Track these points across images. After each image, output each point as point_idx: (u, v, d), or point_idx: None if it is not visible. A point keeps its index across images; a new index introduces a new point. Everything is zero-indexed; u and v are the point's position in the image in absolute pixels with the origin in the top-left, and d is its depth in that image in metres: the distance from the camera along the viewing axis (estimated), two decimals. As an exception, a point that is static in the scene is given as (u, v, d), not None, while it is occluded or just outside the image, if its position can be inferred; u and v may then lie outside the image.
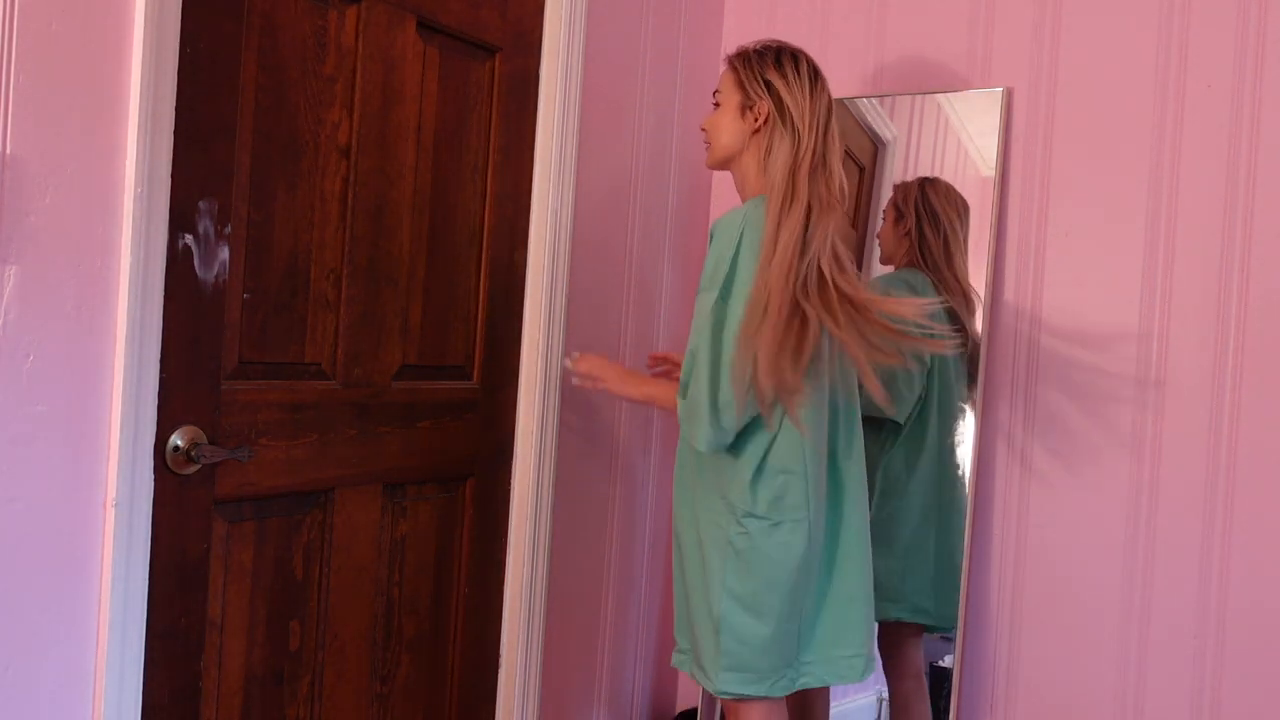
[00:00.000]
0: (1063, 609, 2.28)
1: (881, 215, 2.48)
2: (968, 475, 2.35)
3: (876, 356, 1.81)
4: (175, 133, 1.54)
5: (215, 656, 1.68)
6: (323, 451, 1.83)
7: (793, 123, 1.87)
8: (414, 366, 2.00)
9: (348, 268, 1.85)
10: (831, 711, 2.42)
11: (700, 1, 2.64)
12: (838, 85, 2.58)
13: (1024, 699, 2.32)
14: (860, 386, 1.96)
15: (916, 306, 1.84)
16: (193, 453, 1.59)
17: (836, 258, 1.84)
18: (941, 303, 2.29)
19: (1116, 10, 2.26)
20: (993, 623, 2.35)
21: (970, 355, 2.34)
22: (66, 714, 1.47)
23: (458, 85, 2.04)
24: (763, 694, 1.87)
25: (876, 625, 2.37)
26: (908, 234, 2.41)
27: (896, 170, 2.51)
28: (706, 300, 1.82)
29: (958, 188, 2.41)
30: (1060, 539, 2.29)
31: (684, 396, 1.85)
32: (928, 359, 2.30)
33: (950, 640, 2.34)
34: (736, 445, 1.85)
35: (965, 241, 2.37)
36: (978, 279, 2.37)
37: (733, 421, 1.79)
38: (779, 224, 1.80)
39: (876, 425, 2.32)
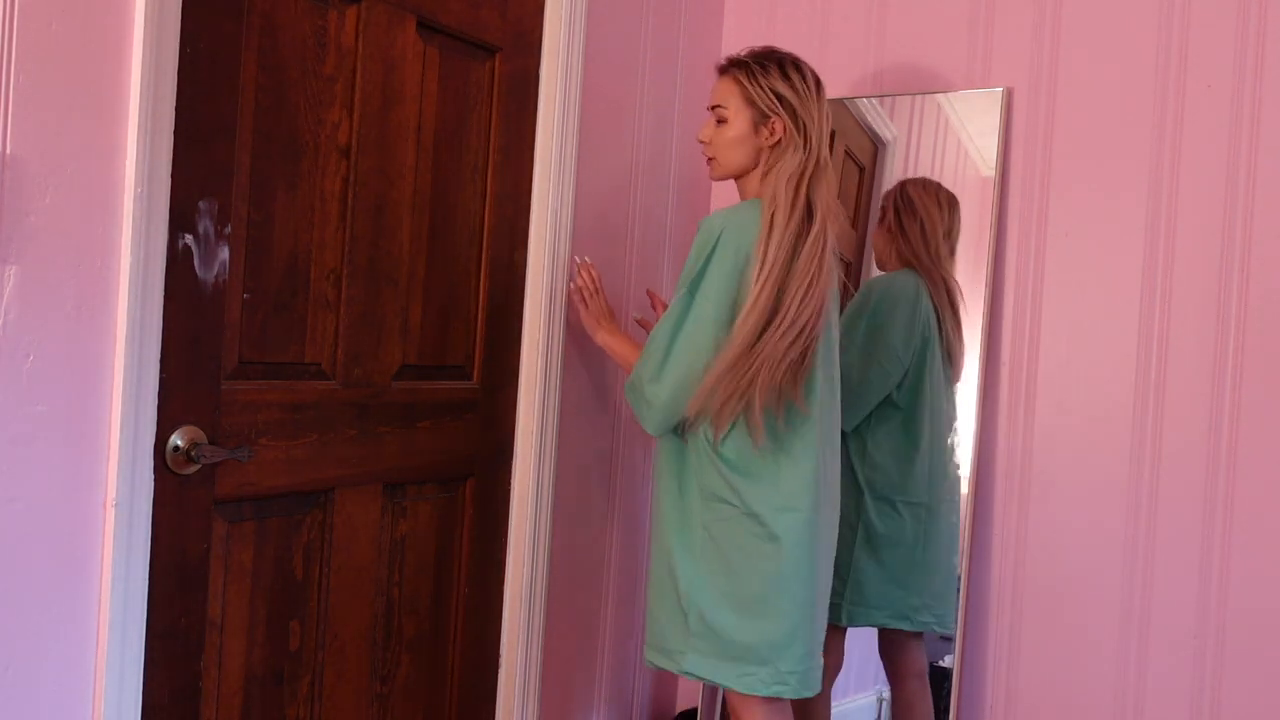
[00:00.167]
0: (1063, 609, 2.28)
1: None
2: (967, 475, 2.35)
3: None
4: (175, 133, 1.54)
5: (215, 656, 1.68)
6: (323, 451, 1.83)
7: (806, 135, 1.90)
8: (414, 366, 2.00)
9: (348, 268, 1.85)
10: (832, 712, 2.42)
11: (700, 1, 2.64)
12: (838, 85, 2.58)
13: (1024, 699, 2.32)
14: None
15: None
16: (193, 453, 1.59)
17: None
18: None
19: (1116, 10, 2.26)
20: (993, 623, 2.35)
21: (948, 352, 2.33)
22: (66, 714, 1.47)
23: (458, 85, 2.04)
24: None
25: (879, 632, 2.38)
26: (889, 230, 2.41)
27: (896, 170, 2.51)
28: (679, 293, 1.89)
29: (958, 188, 2.41)
30: (1060, 539, 2.29)
31: (632, 371, 1.95)
32: (905, 364, 2.30)
33: (950, 640, 2.34)
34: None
35: (947, 231, 2.37)
36: (977, 279, 2.37)
37: (661, 417, 1.89)
38: (786, 235, 1.83)
39: (867, 426, 2.32)
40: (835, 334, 1.99)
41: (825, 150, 1.92)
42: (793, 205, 1.85)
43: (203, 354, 1.63)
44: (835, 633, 2.33)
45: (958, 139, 2.43)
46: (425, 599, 2.05)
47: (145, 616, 1.55)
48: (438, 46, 1.99)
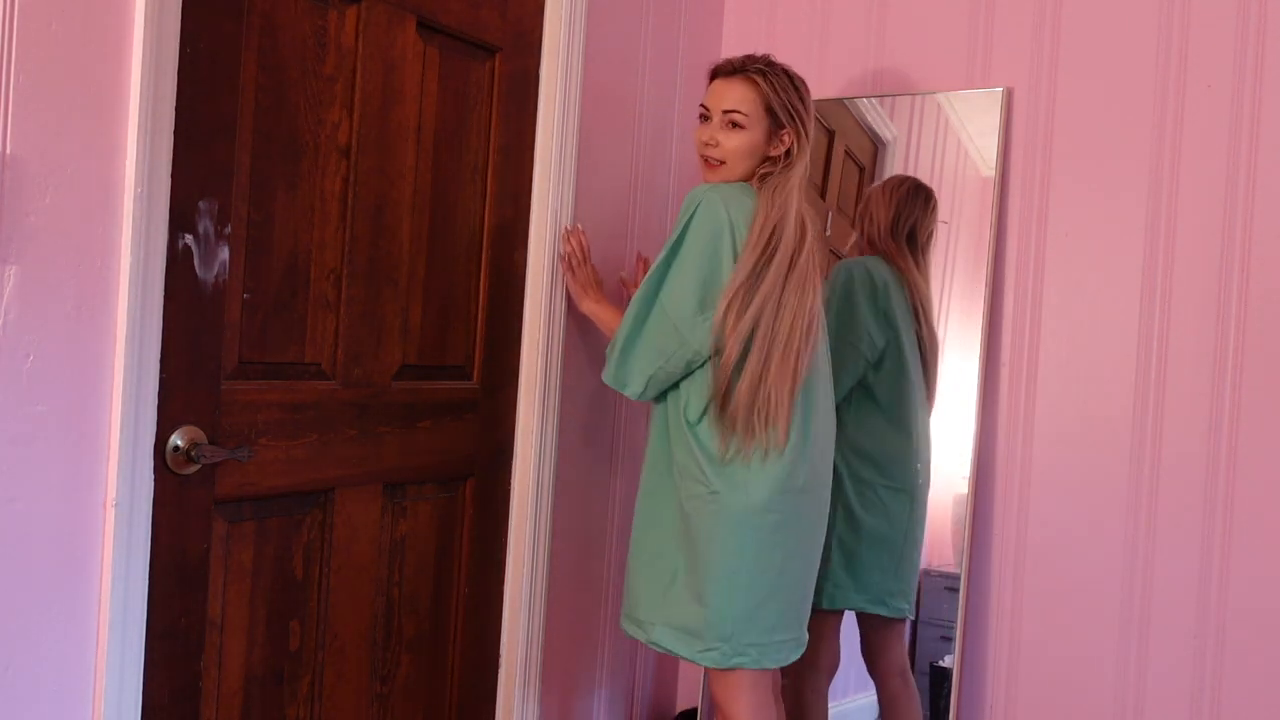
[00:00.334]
0: (1063, 609, 2.28)
1: None
2: (968, 475, 2.35)
3: None
4: (175, 133, 1.54)
5: (215, 656, 1.68)
6: (323, 451, 1.83)
7: (806, 151, 1.96)
8: (414, 366, 2.00)
9: (348, 268, 1.85)
10: (832, 712, 2.42)
11: (700, 1, 2.64)
12: (838, 85, 2.58)
13: (1024, 699, 2.32)
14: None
15: None
16: (193, 453, 1.59)
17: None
18: None
19: (1116, 10, 2.26)
20: (993, 623, 2.35)
21: (921, 342, 2.33)
22: (66, 714, 1.47)
23: (458, 85, 2.04)
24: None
25: (860, 629, 2.38)
26: (859, 224, 2.46)
27: (896, 170, 2.51)
28: (659, 262, 1.93)
29: (958, 188, 2.42)
30: (1060, 539, 2.29)
31: (613, 336, 2.00)
32: (879, 346, 2.30)
33: (950, 640, 2.34)
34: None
35: (894, 220, 2.38)
36: (977, 279, 2.37)
37: (635, 389, 1.95)
38: (788, 252, 1.90)
39: (848, 410, 2.31)
40: (825, 338, 2.03)
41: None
42: (799, 224, 1.91)
43: (203, 354, 1.63)
44: (829, 631, 2.34)
45: (958, 139, 2.43)
46: (425, 599, 2.05)
47: (145, 616, 1.55)
48: (438, 46, 1.99)
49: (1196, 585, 2.14)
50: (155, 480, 1.55)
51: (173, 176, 1.55)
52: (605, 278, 2.28)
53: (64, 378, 1.44)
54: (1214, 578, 2.13)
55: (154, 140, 1.50)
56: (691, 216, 1.89)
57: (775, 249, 1.87)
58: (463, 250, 2.08)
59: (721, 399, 1.87)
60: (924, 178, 2.46)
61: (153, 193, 1.51)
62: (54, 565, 1.45)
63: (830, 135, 2.58)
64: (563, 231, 2.20)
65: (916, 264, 2.37)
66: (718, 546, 1.88)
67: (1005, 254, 2.37)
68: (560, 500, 2.27)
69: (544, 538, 2.22)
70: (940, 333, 2.42)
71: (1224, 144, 2.14)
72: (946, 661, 2.35)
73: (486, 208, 2.12)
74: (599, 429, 2.40)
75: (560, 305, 2.22)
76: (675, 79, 2.55)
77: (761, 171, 1.95)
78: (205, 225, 1.62)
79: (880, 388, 2.31)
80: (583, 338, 2.29)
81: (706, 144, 1.96)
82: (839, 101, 2.56)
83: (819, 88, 2.60)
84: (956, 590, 2.35)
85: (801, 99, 1.95)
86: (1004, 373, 2.36)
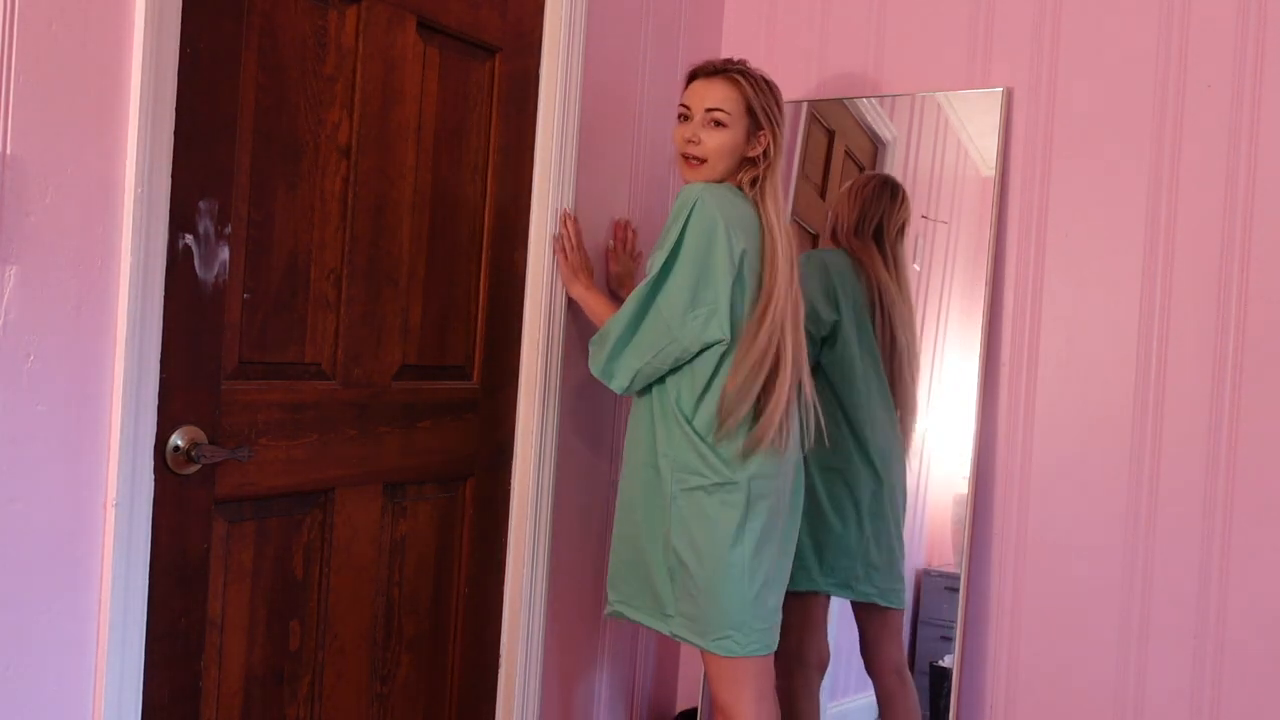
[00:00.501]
0: (1062, 609, 2.28)
1: None
2: (968, 475, 2.35)
3: None
4: (175, 133, 1.54)
5: (215, 656, 1.68)
6: (323, 451, 1.83)
7: (782, 153, 2.01)
8: (414, 366, 2.00)
9: (348, 268, 1.85)
10: (832, 711, 2.42)
11: (700, 1, 2.64)
12: (838, 85, 2.58)
13: (1024, 699, 2.32)
14: None
15: None
16: (193, 453, 1.59)
17: None
18: None
19: (1116, 10, 2.26)
20: (993, 623, 2.35)
21: (883, 335, 2.33)
22: (66, 714, 1.47)
23: (458, 85, 2.04)
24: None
25: (857, 626, 2.39)
26: (828, 227, 2.49)
27: (896, 170, 2.51)
28: (658, 259, 1.93)
29: (958, 188, 2.42)
30: (1060, 539, 2.29)
31: (600, 330, 2.01)
32: (826, 322, 2.31)
33: (950, 640, 2.34)
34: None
35: (860, 217, 2.40)
36: (977, 279, 2.37)
37: (622, 385, 1.96)
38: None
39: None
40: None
41: None
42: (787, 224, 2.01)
43: (203, 354, 1.63)
44: (815, 624, 2.34)
45: (958, 139, 2.43)
46: (425, 599, 2.05)
47: (145, 616, 1.55)
48: (438, 46, 1.99)
49: (1196, 585, 2.14)
50: (155, 480, 1.55)
51: (173, 176, 1.55)
52: (598, 269, 2.29)
53: (64, 378, 1.44)
54: (1214, 578, 2.13)
55: (154, 140, 1.50)
56: (688, 217, 1.90)
57: (784, 254, 1.98)
58: (463, 250, 2.08)
59: (737, 398, 1.91)
60: (924, 178, 2.46)
61: (153, 193, 1.51)
62: (54, 565, 1.45)
63: (830, 135, 2.58)
64: (560, 215, 2.21)
65: (884, 258, 2.37)
66: (722, 535, 1.90)
67: (1005, 254, 2.37)
68: (560, 500, 2.27)
69: (544, 538, 2.22)
70: (940, 332, 2.42)
71: (1224, 144, 2.14)
72: (946, 661, 2.35)
73: (486, 208, 2.12)
74: (599, 429, 2.40)
75: (560, 305, 2.22)
76: (675, 79, 2.55)
77: (744, 175, 2.00)
78: (205, 225, 1.62)
79: (833, 370, 2.32)
80: (583, 338, 2.29)
81: (689, 142, 1.99)
82: (839, 101, 2.56)
83: (819, 88, 2.61)
84: (956, 590, 2.35)
85: (777, 102, 2.01)
86: (1004, 372, 2.36)
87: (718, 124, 1.96)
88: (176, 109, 1.54)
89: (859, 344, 2.33)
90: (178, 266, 1.58)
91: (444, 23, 1.99)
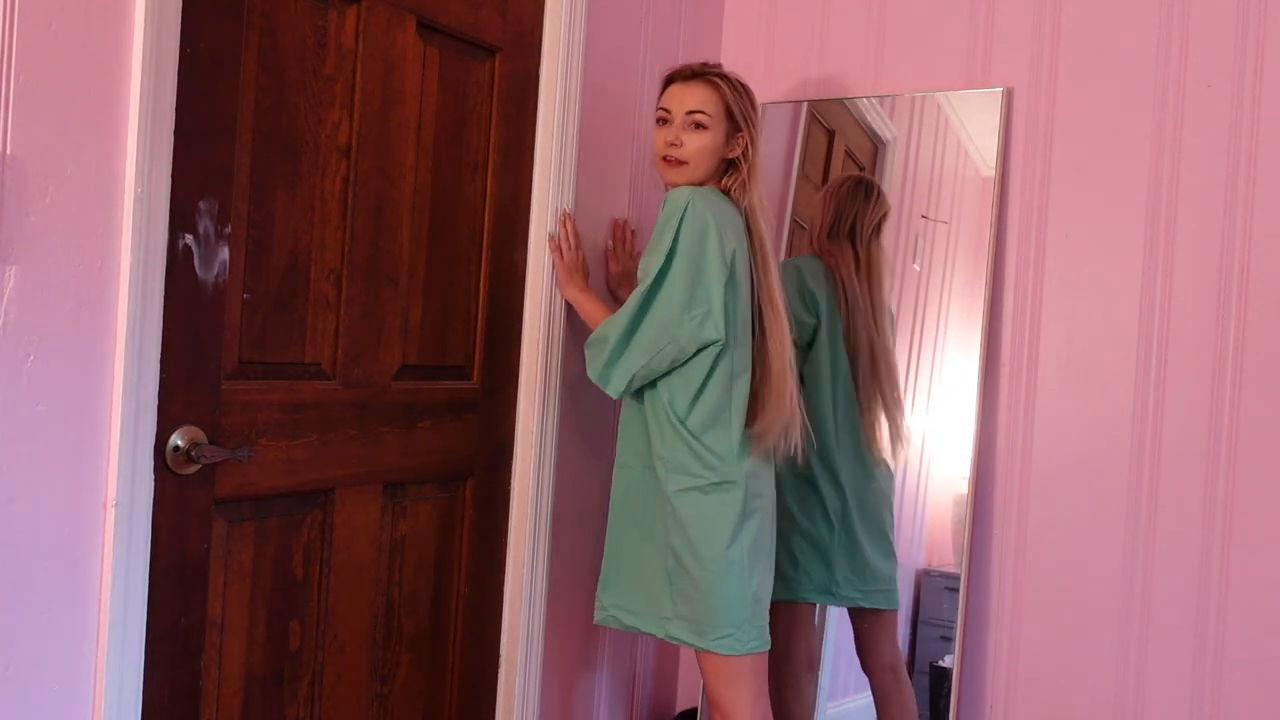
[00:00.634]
0: (1063, 609, 2.28)
1: None
2: (968, 475, 2.35)
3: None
4: (175, 133, 1.54)
5: (215, 656, 1.68)
6: (323, 451, 1.83)
7: (759, 155, 2.03)
8: (414, 366, 2.00)
9: (348, 268, 1.85)
10: (830, 711, 2.42)
11: (700, 1, 2.64)
12: (837, 85, 2.58)
13: (1024, 699, 2.32)
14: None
15: None
16: (193, 453, 1.59)
17: None
18: None
19: (1116, 10, 2.26)
20: (993, 623, 2.35)
21: (849, 337, 2.33)
22: (66, 714, 1.47)
23: (458, 85, 2.04)
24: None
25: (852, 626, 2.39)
26: (809, 232, 2.49)
27: (896, 170, 2.51)
28: (653, 263, 1.93)
29: (958, 188, 2.42)
30: (1060, 539, 2.29)
31: (595, 333, 2.01)
32: (808, 325, 2.33)
33: (950, 640, 2.34)
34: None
35: (836, 218, 2.41)
36: (977, 279, 2.37)
37: (618, 389, 1.96)
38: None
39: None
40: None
41: None
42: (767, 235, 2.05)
43: (203, 354, 1.63)
44: (801, 624, 2.34)
45: (958, 139, 2.43)
46: (425, 599, 2.05)
47: (145, 616, 1.55)
48: (438, 46, 1.99)
49: (1196, 585, 2.14)
50: (155, 480, 1.55)
51: (173, 176, 1.55)
52: (595, 271, 2.29)
53: (64, 378, 1.44)
54: (1214, 577, 2.13)
55: (154, 140, 1.50)
56: (681, 220, 1.91)
57: (772, 256, 2.04)
58: (463, 250, 2.08)
59: (753, 399, 1.97)
60: (924, 178, 2.46)
61: (153, 193, 1.51)
62: (54, 565, 1.45)
63: (830, 135, 2.58)
64: (559, 216, 2.21)
65: (855, 257, 2.37)
66: (720, 533, 1.91)
67: (1005, 254, 2.37)
68: (560, 500, 2.27)
69: (544, 538, 2.22)
70: (940, 332, 2.42)
71: (1224, 144, 2.14)
72: (946, 661, 2.35)
73: (486, 208, 2.12)
74: (599, 429, 2.40)
75: (560, 305, 2.22)
76: (675, 79, 2.55)
77: (728, 179, 2.02)
78: (205, 225, 1.62)
79: (807, 374, 2.31)
80: (582, 339, 2.28)
81: (671, 144, 2.00)
82: (839, 101, 2.56)
83: (819, 88, 2.61)
84: (956, 590, 2.35)
85: (752, 104, 2.04)
86: (1004, 372, 2.36)
87: (699, 126, 1.98)
88: (176, 109, 1.54)
89: (829, 348, 2.33)
90: (178, 266, 1.58)
91: (444, 23, 1.99)
